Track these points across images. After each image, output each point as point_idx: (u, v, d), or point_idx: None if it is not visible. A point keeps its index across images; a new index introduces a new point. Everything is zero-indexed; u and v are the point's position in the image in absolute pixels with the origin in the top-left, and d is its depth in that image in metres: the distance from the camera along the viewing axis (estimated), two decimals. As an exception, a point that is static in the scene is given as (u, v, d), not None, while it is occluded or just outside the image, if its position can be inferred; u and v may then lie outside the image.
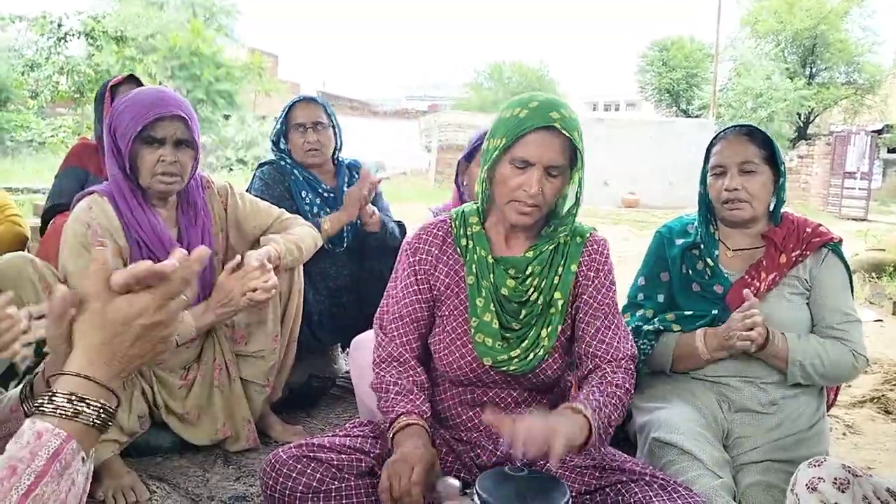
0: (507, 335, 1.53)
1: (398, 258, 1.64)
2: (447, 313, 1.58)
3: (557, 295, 1.54)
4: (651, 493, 1.39)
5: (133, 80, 2.81)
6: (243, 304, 1.97)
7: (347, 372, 2.79)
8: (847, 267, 1.89)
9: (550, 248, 1.55)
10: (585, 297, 1.55)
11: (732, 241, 1.93)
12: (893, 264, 5.83)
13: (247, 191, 2.58)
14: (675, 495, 1.38)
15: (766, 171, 1.85)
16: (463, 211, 1.62)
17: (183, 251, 0.82)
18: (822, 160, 17.55)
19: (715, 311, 1.86)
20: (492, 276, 1.54)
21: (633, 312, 2.01)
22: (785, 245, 1.86)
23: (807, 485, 1.18)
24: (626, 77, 35.13)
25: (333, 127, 2.73)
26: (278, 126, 2.70)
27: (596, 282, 1.56)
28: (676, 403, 1.80)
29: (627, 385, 1.49)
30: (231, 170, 17.82)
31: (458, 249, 1.58)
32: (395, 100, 37.30)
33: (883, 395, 2.78)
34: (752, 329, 1.70)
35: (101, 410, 0.77)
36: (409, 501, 1.30)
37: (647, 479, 1.43)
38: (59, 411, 0.75)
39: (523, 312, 1.54)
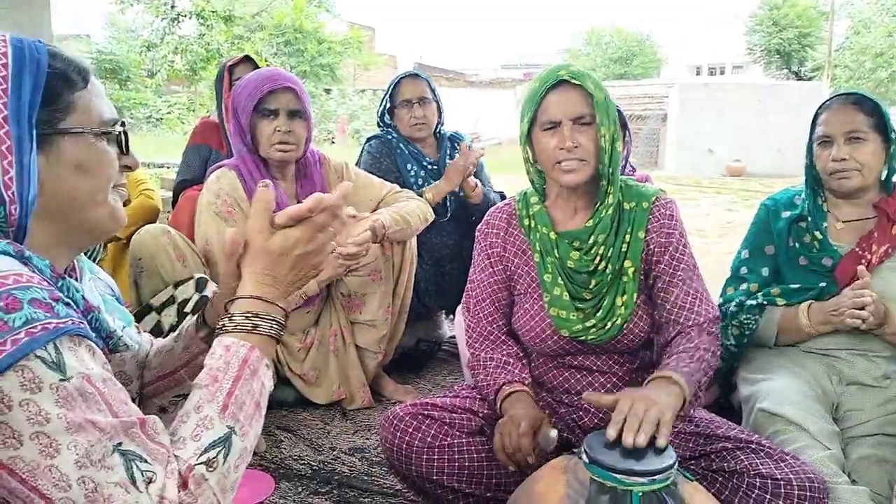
0: (581, 306, 1.56)
1: (474, 244, 1.72)
2: (522, 291, 1.64)
3: (627, 263, 1.55)
4: (758, 461, 1.39)
5: (249, 60, 2.98)
6: (342, 251, 2.00)
7: (452, 336, 2.91)
8: None
9: (610, 213, 1.55)
10: (662, 265, 1.55)
11: (842, 212, 1.88)
12: None
13: (356, 164, 2.72)
14: (781, 463, 1.38)
15: (875, 139, 1.79)
16: (525, 192, 1.68)
17: (326, 195, 0.94)
18: (951, 123, 16.15)
19: (823, 284, 1.82)
20: (556, 250, 1.58)
21: (737, 286, 1.99)
22: None
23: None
24: (734, 38, 33.30)
25: (436, 101, 2.82)
26: (385, 102, 2.81)
27: (669, 248, 1.55)
28: (784, 375, 1.78)
29: (714, 348, 1.49)
30: (333, 142, 18.32)
31: (523, 230, 1.64)
32: (491, 69, 37.00)
33: None
34: (862, 308, 1.67)
35: (274, 322, 0.90)
36: (521, 455, 1.37)
37: (754, 446, 1.44)
38: (239, 327, 0.88)
39: (593, 282, 1.56)
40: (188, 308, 1.96)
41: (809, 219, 1.88)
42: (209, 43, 14.89)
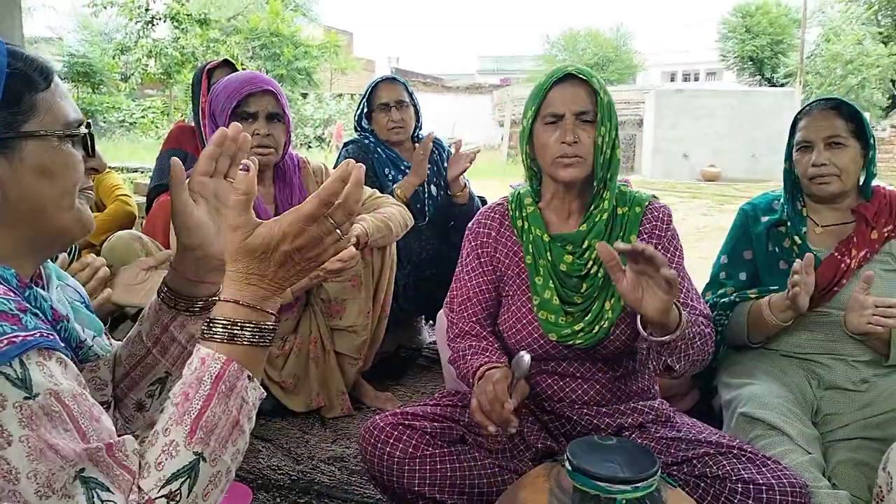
0: (570, 310, 1.55)
1: (463, 243, 1.71)
2: (511, 293, 1.62)
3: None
4: (739, 466, 1.40)
5: (228, 64, 2.94)
6: (328, 267, 1.96)
7: (432, 342, 2.89)
8: None
9: (604, 218, 1.55)
10: None
11: (821, 217, 1.90)
12: None
13: (333, 168, 2.69)
14: (763, 468, 1.39)
15: (854, 145, 1.81)
16: (518, 192, 1.66)
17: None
18: (919, 129, 16.54)
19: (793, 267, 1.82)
20: (549, 253, 1.57)
21: (715, 291, 2.00)
22: (877, 220, 1.82)
23: (900, 462, 1.17)
24: (707, 45, 33.79)
25: (414, 105, 2.81)
26: (362, 106, 2.80)
27: (659, 248, 1.56)
28: (764, 379, 1.79)
29: (708, 330, 1.48)
30: (310, 147, 18.25)
31: (515, 231, 1.63)
32: (468, 75, 37.12)
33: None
34: (795, 282, 1.67)
35: (256, 330, 0.83)
36: (499, 405, 1.32)
37: (735, 451, 1.44)
38: (216, 337, 0.82)
39: (584, 286, 1.56)
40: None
41: (789, 223, 1.90)
42: (184, 46, 14.78)
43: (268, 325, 0.85)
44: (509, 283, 1.63)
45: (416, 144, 2.86)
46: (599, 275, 1.55)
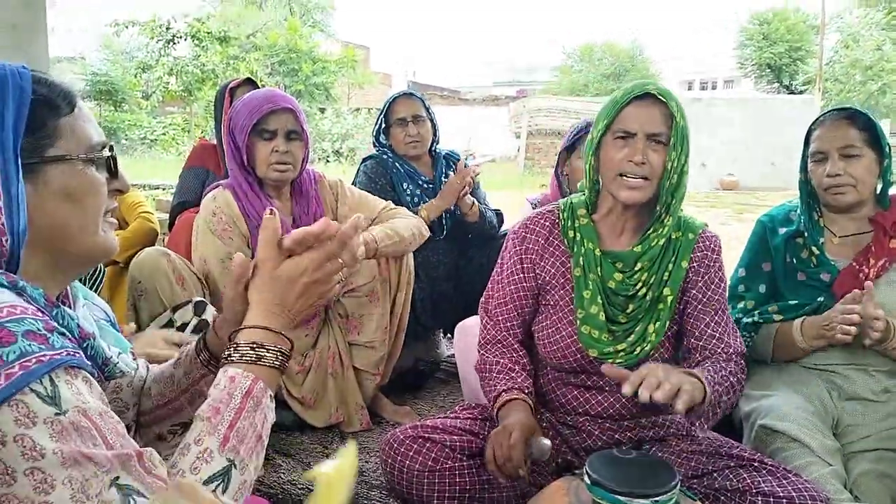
0: (614, 328, 1.55)
1: (505, 245, 1.70)
2: (553, 303, 1.61)
3: (667, 291, 1.55)
4: (760, 479, 1.40)
5: (250, 82, 2.98)
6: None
7: (450, 356, 2.90)
8: None
9: (661, 242, 1.54)
10: (694, 291, 1.56)
11: (838, 227, 1.89)
12: None
13: (352, 183, 2.72)
14: (784, 481, 1.38)
15: (869, 154, 1.80)
16: (571, 202, 1.65)
17: (334, 222, 0.95)
18: (942, 135, 16.32)
19: (821, 300, 1.82)
20: (599, 269, 1.56)
21: (735, 304, 1.99)
22: (894, 229, 1.81)
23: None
24: (725, 53, 33.63)
25: (431, 119, 2.83)
26: (380, 122, 2.83)
27: (706, 277, 1.56)
28: (784, 391, 1.78)
29: (739, 376, 1.50)
30: (328, 161, 18.37)
31: (566, 241, 1.61)
32: (484, 87, 37.23)
33: None
34: (852, 324, 1.66)
35: (279, 353, 0.91)
36: (512, 466, 1.36)
37: (756, 464, 1.44)
38: (244, 358, 0.89)
39: (630, 307, 1.55)
40: (187, 332, 1.95)
41: (806, 234, 1.89)
42: (204, 64, 15.00)
43: (287, 349, 0.92)
44: (552, 293, 1.62)
45: (433, 158, 2.89)
46: (648, 297, 1.55)
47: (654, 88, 1.48)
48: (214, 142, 3.10)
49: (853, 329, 1.66)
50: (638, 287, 1.55)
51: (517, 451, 1.37)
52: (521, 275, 1.63)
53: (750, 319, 1.90)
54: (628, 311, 1.56)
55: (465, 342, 2.18)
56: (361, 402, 2.27)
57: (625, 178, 1.47)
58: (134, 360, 1.11)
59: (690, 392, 1.25)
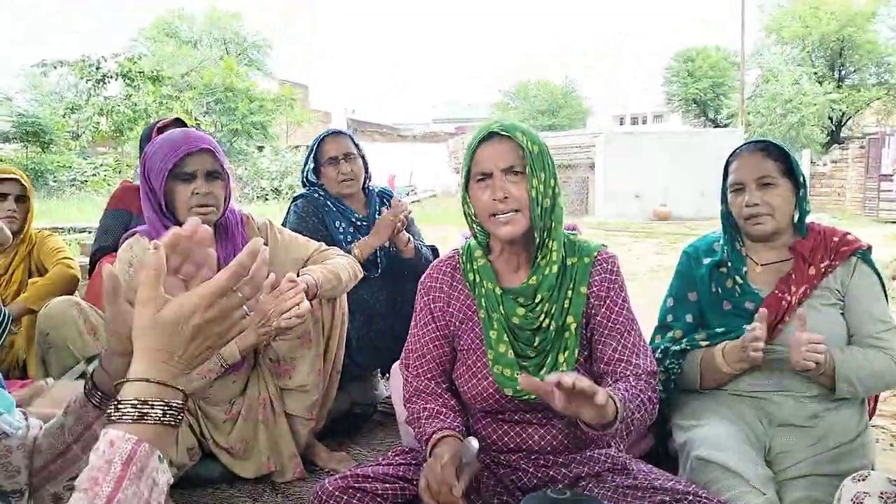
0: (524, 364, 1.55)
1: (416, 297, 1.69)
2: (465, 347, 1.61)
3: (570, 319, 1.55)
4: (694, 513, 1.39)
5: (179, 122, 2.90)
6: (283, 324, 1.93)
7: (388, 397, 2.83)
8: (879, 274, 1.88)
9: (554, 271, 1.55)
10: (599, 317, 1.56)
11: (759, 255, 1.93)
12: (937, 268, 5.69)
13: (283, 224, 2.66)
14: (718, 513, 1.38)
15: (784, 184, 1.86)
16: (469, 245, 1.66)
17: (211, 250, 0.88)
18: (856, 164, 17.25)
19: (746, 327, 1.85)
20: (501, 307, 1.56)
21: (664, 334, 2.02)
22: (813, 256, 1.86)
23: (852, 500, 1.18)
24: (653, 89, 34.97)
25: (362, 156, 2.81)
26: (309, 162, 2.79)
27: (608, 301, 1.56)
28: (716, 420, 1.80)
29: (650, 394, 1.49)
30: (266, 199, 18.14)
31: (468, 284, 1.62)
32: (423, 124, 37.61)
33: (931, 405, 2.72)
34: (756, 339, 1.69)
35: (167, 408, 0.81)
36: (447, 490, 1.32)
37: (691, 498, 1.43)
38: (125, 417, 0.79)
39: (537, 340, 1.55)
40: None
41: (729, 264, 1.93)
42: (136, 103, 14.69)
43: (178, 403, 0.82)
44: (463, 338, 1.62)
45: (367, 195, 2.86)
46: (552, 328, 1.55)
47: (497, 127, 1.53)
48: (138, 183, 3.00)
49: (760, 345, 1.69)
50: (541, 319, 1.55)
51: (449, 469, 1.33)
52: (433, 324, 1.63)
53: (678, 347, 1.92)
54: (535, 344, 1.55)
55: (401, 382, 2.13)
56: (294, 450, 2.18)
57: (496, 216, 1.51)
58: (25, 418, 1.02)
59: (603, 395, 1.26)
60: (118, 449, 0.77)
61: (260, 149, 20.70)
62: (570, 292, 1.56)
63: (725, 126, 25.19)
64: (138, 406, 0.80)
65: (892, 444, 2.40)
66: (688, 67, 30.29)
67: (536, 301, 1.55)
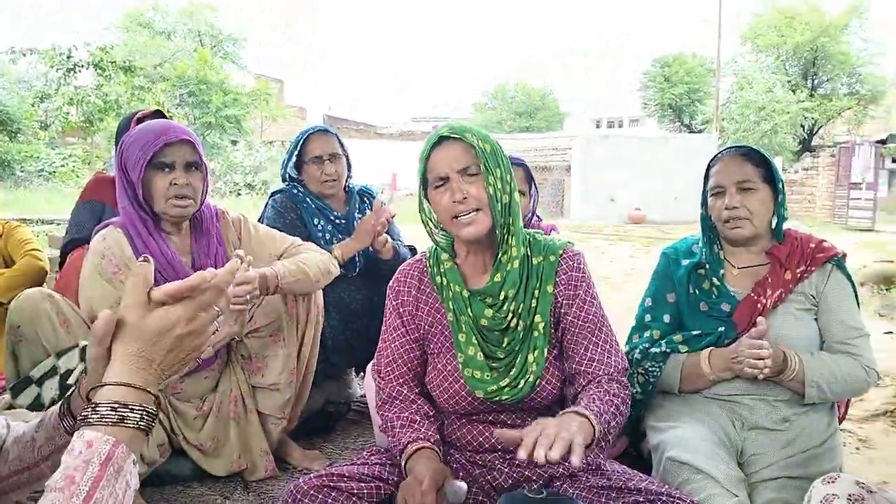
0: (494, 365, 1.55)
1: (386, 302, 1.68)
2: (436, 351, 1.61)
3: (538, 318, 1.55)
4: (667, 513, 1.40)
5: (159, 114, 2.84)
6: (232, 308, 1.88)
7: (362, 396, 2.82)
8: (852, 281, 1.91)
9: (517, 267, 1.54)
10: (570, 316, 1.56)
11: (737, 259, 1.96)
12: (903, 275, 5.82)
13: (259, 220, 2.63)
14: (691, 514, 1.39)
15: (764, 189, 1.88)
16: (435, 248, 1.65)
17: (212, 269, 0.88)
18: (826, 171, 17.59)
19: (722, 329, 1.88)
20: (469, 309, 1.56)
21: (641, 333, 2.03)
22: (789, 262, 1.89)
23: (821, 501, 1.19)
24: (630, 94, 35.32)
25: (346, 156, 2.78)
26: (292, 157, 2.75)
27: (577, 299, 1.56)
28: (689, 422, 1.81)
29: (623, 395, 1.50)
30: (239, 194, 17.97)
31: (436, 288, 1.62)
32: (401, 122, 37.54)
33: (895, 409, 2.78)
34: (760, 359, 1.72)
35: (144, 413, 0.82)
36: None
37: (664, 498, 1.44)
38: (104, 419, 0.80)
39: (506, 340, 1.55)
40: (72, 379, 1.81)
41: (707, 266, 1.95)
42: (107, 94, 14.39)
43: (153, 409, 0.84)
44: (433, 341, 1.61)
45: (347, 193, 2.84)
46: (520, 328, 1.55)
47: (447, 130, 1.53)
48: (112, 174, 2.94)
49: (761, 363, 1.71)
50: (509, 319, 1.55)
51: (430, 498, 1.33)
52: (403, 329, 1.63)
53: (658, 349, 1.93)
54: (504, 345, 1.56)
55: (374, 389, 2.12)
56: (266, 448, 2.16)
57: (458, 218, 1.51)
58: None
59: (582, 444, 1.24)
60: (96, 450, 0.77)
61: (234, 143, 20.49)
62: (536, 291, 1.56)
63: (700, 132, 25.52)
64: (118, 409, 0.81)
65: (857, 448, 2.45)
66: (664, 73, 30.68)
67: (502, 299, 1.55)
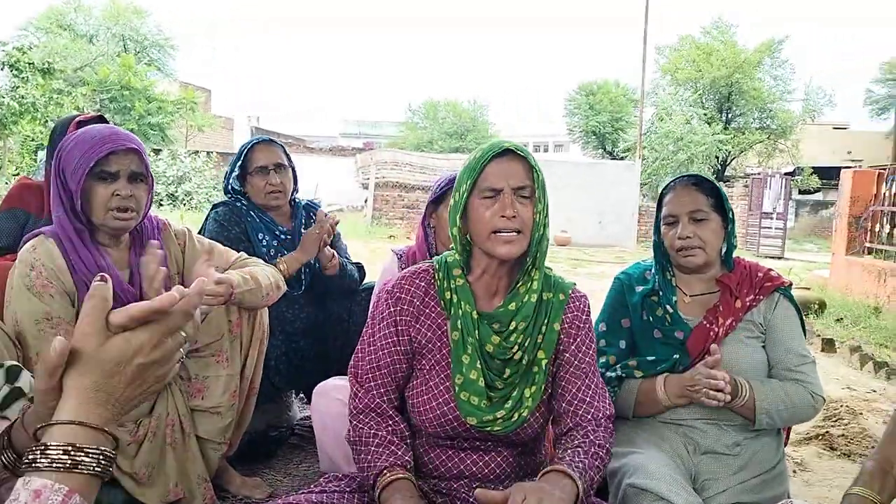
0: (492, 394, 1.50)
1: (376, 304, 1.60)
2: (428, 368, 1.54)
3: (541, 354, 1.53)
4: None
5: (102, 120, 2.67)
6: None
7: (303, 419, 2.72)
8: (798, 310, 1.97)
9: (533, 300, 1.52)
10: (567, 355, 1.55)
11: (689, 286, 1.99)
12: (818, 302, 6.12)
13: (199, 232, 2.51)
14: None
15: (715, 218, 1.92)
16: (446, 261, 1.59)
17: (180, 288, 0.78)
18: (739, 201, 18.46)
19: (676, 356, 1.90)
20: (477, 332, 1.51)
21: (598, 358, 2.03)
22: (739, 290, 1.93)
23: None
24: (555, 119, 36.25)
25: (291, 168, 2.71)
26: (235, 168, 2.65)
27: (577, 340, 1.56)
28: (646, 448, 1.81)
29: (608, 445, 1.50)
30: (161, 205, 17.30)
31: (442, 302, 1.55)
32: (330, 137, 37.22)
33: (827, 432, 2.89)
34: (718, 389, 1.74)
35: (101, 457, 0.72)
36: None
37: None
38: (55, 464, 0.69)
39: (507, 371, 1.51)
40: None
41: (661, 293, 1.97)
42: (23, 96, 13.62)
43: (111, 452, 0.74)
44: (427, 358, 1.54)
45: (293, 208, 2.75)
46: (524, 361, 1.51)
47: (511, 145, 1.49)
48: (38, 180, 2.75)
49: (721, 395, 1.74)
50: (514, 350, 1.52)
51: None
52: (395, 338, 1.54)
53: (613, 374, 1.94)
54: (505, 376, 1.51)
55: (324, 406, 2.04)
56: (205, 475, 2.04)
57: (499, 234, 1.45)
58: None
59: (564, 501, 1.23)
60: (45, 501, 0.67)
61: (156, 152, 19.75)
62: (544, 327, 1.53)
63: (622, 159, 26.34)
64: (71, 453, 0.70)
65: (794, 472, 2.52)
66: (589, 101, 31.59)
67: (511, 329, 1.50)
